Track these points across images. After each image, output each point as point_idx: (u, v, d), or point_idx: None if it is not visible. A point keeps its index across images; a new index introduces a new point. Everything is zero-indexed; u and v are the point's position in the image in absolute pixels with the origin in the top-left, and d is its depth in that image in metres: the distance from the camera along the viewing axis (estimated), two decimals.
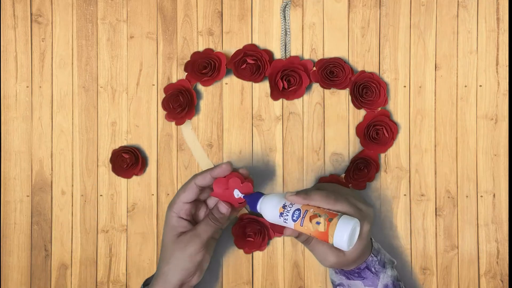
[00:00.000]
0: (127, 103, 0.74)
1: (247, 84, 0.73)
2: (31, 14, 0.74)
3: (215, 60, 0.71)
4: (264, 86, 0.73)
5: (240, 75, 0.71)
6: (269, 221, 0.62)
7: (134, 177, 0.73)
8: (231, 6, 0.73)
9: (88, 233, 0.74)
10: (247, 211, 0.73)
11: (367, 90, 0.70)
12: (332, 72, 0.70)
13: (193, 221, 0.66)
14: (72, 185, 0.74)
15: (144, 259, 0.73)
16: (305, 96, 0.73)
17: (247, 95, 0.73)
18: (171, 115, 0.72)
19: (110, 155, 0.73)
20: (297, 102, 0.73)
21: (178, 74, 0.73)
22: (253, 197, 0.62)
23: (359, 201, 0.62)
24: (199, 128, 0.73)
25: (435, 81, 0.72)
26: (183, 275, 0.63)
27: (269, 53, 0.72)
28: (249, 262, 0.73)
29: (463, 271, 0.72)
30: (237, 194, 0.63)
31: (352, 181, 0.71)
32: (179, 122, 0.72)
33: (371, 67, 0.72)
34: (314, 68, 0.72)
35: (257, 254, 0.73)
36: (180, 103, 0.71)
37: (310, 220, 0.59)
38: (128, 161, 0.72)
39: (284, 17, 0.72)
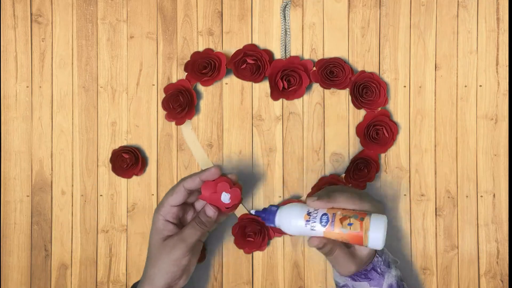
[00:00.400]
0: (127, 103, 0.74)
1: (247, 84, 0.73)
2: (31, 14, 0.74)
3: (215, 60, 0.71)
4: (264, 86, 0.73)
5: (240, 75, 0.71)
6: (291, 234, 0.59)
7: (134, 177, 0.73)
8: (231, 6, 0.73)
9: (88, 233, 0.74)
10: (247, 211, 0.73)
11: (367, 90, 0.70)
12: (332, 72, 0.70)
13: (180, 224, 0.64)
14: (72, 185, 0.74)
15: (144, 259, 0.73)
16: (305, 96, 0.73)
17: (247, 95, 0.73)
18: (171, 115, 0.72)
19: (110, 155, 0.73)
20: (297, 102, 0.73)
21: (178, 74, 0.73)
22: (268, 212, 0.60)
23: (373, 199, 0.62)
24: (199, 128, 0.73)
25: (435, 81, 0.72)
26: (169, 279, 0.62)
27: (269, 53, 0.72)
28: (249, 262, 0.73)
29: (463, 271, 0.72)
30: (225, 198, 0.61)
31: (352, 181, 0.71)
32: (179, 122, 0.72)
33: (371, 67, 0.72)
34: (314, 68, 0.72)
35: (257, 254, 0.73)
36: (180, 103, 0.71)
37: (341, 223, 0.57)
38: (128, 161, 0.72)
39: (284, 17, 0.72)
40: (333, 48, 0.72)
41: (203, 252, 0.72)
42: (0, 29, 0.74)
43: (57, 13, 0.74)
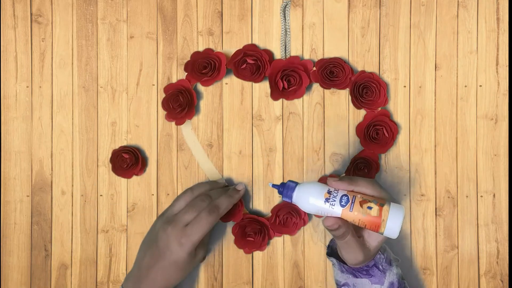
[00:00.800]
0: (127, 103, 0.74)
1: (247, 84, 0.73)
2: (31, 14, 0.74)
3: (215, 60, 0.71)
4: (264, 86, 0.73)
5: (240, 75, 0.71)
6: (306, 211, 0.60)
7: (134, 177, 0.73)
8: (231, 6, 0.73)
9: (88, 233, 0.74)
10: (247, 211, 0.73)
11: (367, 90, 0.70)
12: (332, 72, 0.70)
13: None
14: (72, 185, 0.74)
15: None
16: (305, 96, 0.73)
17: (247, 95, 0.73)
18: (171, 115, 0.72)
19: (110, 155, 0.73)
20: (297, 102, 0.73)
21: (178, 74, 0.73)
22: (286, 186, 0.61)
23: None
24: (199, 128, 0.73)
25: (435, 81, 0.72)
26: (172, 284, 0.65)
27: (269, 53, 0.72)
28: (249, 262, 0.73)
29: (463, 271, 0.72)
30: None
31: None
32: (179, 122, 0.72)
33: (371, 67, 0.72)
34: (314, 68, 0.72)
35: (257, 254, 0.73)
36: (180, 103, 0.71)
37: (361, 205, 0.57)
38: (128, 161, 0.72)
39: (284, 17, 0.72)
40: (333, 48, 0.72)
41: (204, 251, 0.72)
42: (0, 29, 0.74)
43: (57, 13, 0.74)
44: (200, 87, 0.73)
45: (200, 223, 0.63)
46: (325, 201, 0.58)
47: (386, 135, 0.70)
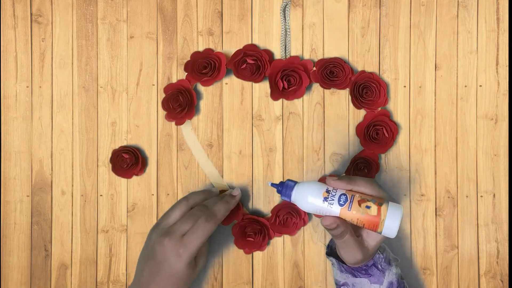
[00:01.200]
0: (127, 103, 0.74)
1: (247, 84, 0.73)
2: (31, 14, 0.74)
3: (215, 60, 0.71)
4: (264, 86, 0.73)
5: (240, 75, 0.71)
6: (305, 210, 0.60)
7: (134, 177, 0.73)
8: (231, 6, 0.73)
9: (88, 233, 0.74)
10: (247, 211, 0.73)
11: (367, 90, 0.70)
12: (332, 72, 0.70)
13: None
14: (72, 185, 0.74)
15: None
16: (305, 96, 0.73)
17: (247, 95, 0.73)
18: (171, 115, 0.72)
19: (110, 155, 0.73)
20: (297, 102, 0.73)
21: (178, 74, 0.73)
22: (285, 186, 0.61)
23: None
24: (199, 128, 0.73)
25: (435, 81, 0.72)
26: None
27: (269, 53, 0.72)
28: (249, 262, 0.73)
29: (463, 271, 0.72)
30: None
31: None
32: (179, 122, 0.72)
33: (371, 67, 0.72)
34: (314, 68, 0.72)
35: (257, 254, 0.73)
36: (180, 103, 0.71)
37: (359, 205, 0.57)
38: (128, 161, 0.72)
39: (284, 17, 0.72)
40: (333, 48, 0.72)
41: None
42: (0, 29, 0.74)
43: (57, 13, 0.74)
44: (200, 87, 0.73)
45: (198, 232, 0.62)
46: (323, 200, 0.59)
47: (386, 135, 0.70)
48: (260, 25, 0.73)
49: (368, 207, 0.57)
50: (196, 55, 0.72)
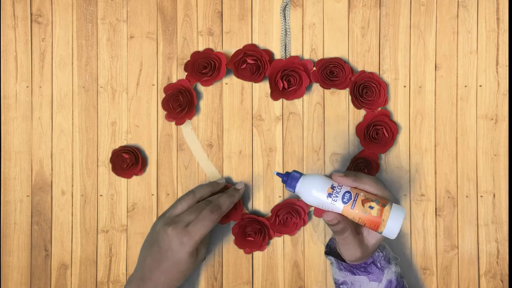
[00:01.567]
0: (127, 103, 0.74)
1: (247, 84, 0.73)
2: (31, 14, 0.74)
3: (215, 60, 0.71)
4: (264, 86, 0.73)
5: (240, 75, 0.71)
6: (308, 202, 0.60)
7: (134, 177, 0.73)
8: (231, 6, 0.73)
9: (88, 233, 0.74)
10: (247, 211, 0.73)
11: (367, 90, 0.70)
12: (332, 72, 0.70)
13: None
14: (72, 185, 0.74)
15: None
16: (305, 96, 0.73)
17: (247, 95, 0.73)
18: (171, 115, 0.72)
19: (110, 155, 0.73)
20: (297, 102, 0.73)
21: (178, 74, 0.73)
22: (290, 176, 0.61)
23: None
24: (199, 128, 0.73)
25: (435, 81, 0.72)
26: (175, 285, 0.65)
27: (269, 53, 0.72)
28: (249, 262, 0.73)
29: (463, 271, 0.72)
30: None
31: None
32: (179, 122, 0.72)
33: (371, 67, 0.72)
34: (314, 68, 0.72)
35: (257, 254, 0.73)
36: (180, 103, 0.71)
37: (363, 204, 0.58)
38: (128, 161, 0.72)
39: (284, 17, 0.72)
40: (333, 48, 0.72)
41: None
42: (0, 29, 0.74)
43: (57, 13, 0.74)
44: (200, 87, 0.73)
45: (202, 222, 0.63)
46: (327, 196, 0.59)
47: (386, 135, 0.70)
48: (260, 25, 0.73)
49: (371, 207, 0.57)
50: (196, 55, 0.72)
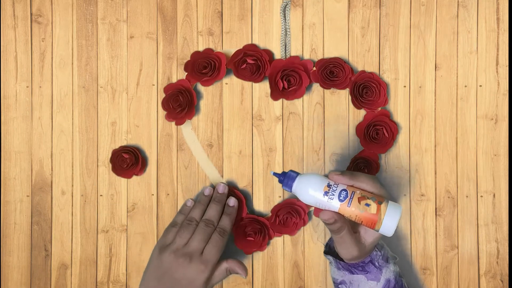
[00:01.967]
0: (127, 103, 0.74)
1: (247, 84, 0.73)
2: (31, 14, 0.74)
3: (215, 60, 0.71)
4: (264, 86, 0.73)
5: (240, 75, 0.71)
6: (305, 202, 0.61)
7: (134, 177, 0.73)
8: (231, 6, 0.73)
9: (88, 233, 0.74)
10: (247, 211, 0.73)
11: (367, 90, 0.70)
12: (332, 72, 0.70)
13: None
14: (72, 185, 0.74)
15: (144, 259, 0.73)
16: (305, 96, 0.73)
17: (247, 95, 0.73)
18: (171, 115, 0.72)
19: (110, 155, 0.73)
20: (297, 102, 0.73)
21: (178, 74, 0.73)
22: (287, 176, 0.61)
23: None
24: (199, 128, 0.73)
25: (435, 81, 0.72)
26: None
27: (269, 53, 0.72)
28: (249, 262, 0.73)
29: (463, 271, 0.72)
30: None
31: None
32: (179, 122, 0.72)
33: (371, 67, 0.72)
34: (314, 68, 0.72)
35: (257, 254, 0.73)
36: (180, 103, 0.71)
37: (359, 202, 0.58)
38: (128, 161, 0.72)
39: (284, 17, 0.72)
40: (333, 48, 0.72)
41: None
42: (0, 29, 0.74)
43: (57, 13, 0.74)
44: (200, 87, 0.73)
45: (216, 248, 0.65)
46: (324, 194, 0.59)
47: (386, 135, 0.70)
48: (260, 25, 0.73)
49: (367, 204, 0.58)
50: (196, 55, 0.72)
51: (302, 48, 0.73)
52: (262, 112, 0.73)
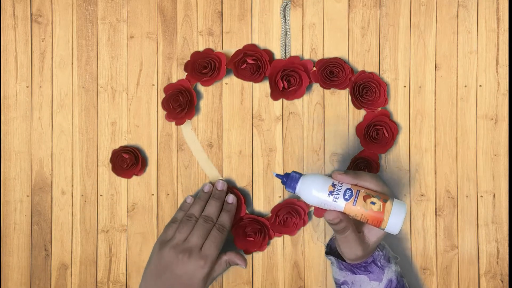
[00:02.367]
0: (127, 103, 0.74)
1: (247, 84, 0.73)
2: (31, 14, 0.74)
3: (215, 60, 0.71)
4: (264, 86, 0.73)
5: (240, 75, 0.71)
6: (309, 203, 0.60)
7: (134, 177, 0.73)
8: (231, 6, 0.73)
9: (88, 233, 0.74)
10: (247, 211, 0.73)
11: (367, 90, 0.70)
12: (332, 72, 0.70)
13: None
14: (72, 185, 0.74)
15: (144, 259, 0.73)
16: (305, 96, 0.73)
17: (247, 95, 0.73)
18: (171, 115, 0.72)
19: (110, 155, 0.73)
20: (297, 102, 0.73)
21: (178, 74, 0.73)
22: (290, 177, 0.61)
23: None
24: (199, 128, 0.73)
25: (435, 81, 0.72)
26: None
27: (269, 53, 0.72)
28: (249, 262, 0.73)
29: (463, 271, 0.72)
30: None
31: None
32: (179, 122, 0.72)
33: (371, 67, 0.72)
34: (314, 68, 0.72)
35: (257, 254, 0.73)
36: (180, 103, 0.71)
37: (364, 200, 0.58)
38: (128, 161, 0.72)
39: (284, 17, 0.72)
40: (333, 48, 0.72)
41: None
42: (0, 29, 0.74)
43: (57, 13, 0.74)
44: (200, 87, 0.73)
45: (215, 243, 0.65)
46: (329, 194, 0.59)
47: (386, 135, 0.70)
48: (260, 25, 0.73)
49: (373, 203, 0.58)
50: (196, 55, 0.72)
51: (302, 48, 0.73)
52: (262, 112, 0.73)
